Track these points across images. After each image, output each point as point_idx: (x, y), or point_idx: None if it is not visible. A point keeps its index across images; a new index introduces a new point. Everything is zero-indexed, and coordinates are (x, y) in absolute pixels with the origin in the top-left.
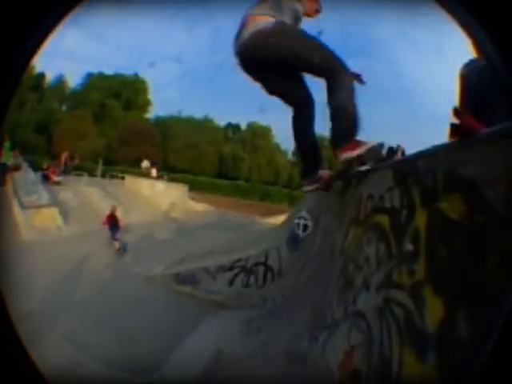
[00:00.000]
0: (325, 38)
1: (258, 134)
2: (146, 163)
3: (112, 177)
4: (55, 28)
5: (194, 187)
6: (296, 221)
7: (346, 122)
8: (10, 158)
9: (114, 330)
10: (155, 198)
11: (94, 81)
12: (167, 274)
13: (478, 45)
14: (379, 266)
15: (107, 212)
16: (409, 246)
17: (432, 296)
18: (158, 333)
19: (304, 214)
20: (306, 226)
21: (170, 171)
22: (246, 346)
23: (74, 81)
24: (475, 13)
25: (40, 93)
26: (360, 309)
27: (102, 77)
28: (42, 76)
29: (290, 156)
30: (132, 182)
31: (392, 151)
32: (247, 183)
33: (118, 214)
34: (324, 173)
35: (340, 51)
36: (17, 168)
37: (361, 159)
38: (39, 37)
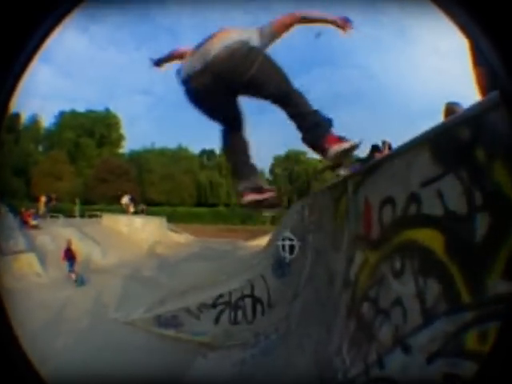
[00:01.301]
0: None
1: None
2: (125, 199)
3: (91, 216)
4: (54, 30)
5: (174, 219)
6: (280, 243)
7: (315, 118)
8: None
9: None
10: (134, 234)
11: (67, 119)
12: (147, 317)
13: (476, 45)
14: (430, 319)
15: (64, 247)
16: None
17: None
18: None
19: (288, 234)
20: (292, 248)
21: (148, 205)
22: None
23: (47, 120)
24: (473, 13)
25: (16, 134)
26: (394, 376)
27: (73, 115)
28: (16, 116)
29: (267, 175)
30: (109, 220)
31: (376, 149)
32: (227, 208)
33: (76, 248)
34: (271, 188)
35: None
36: None
37: (340, 159)
38: (38, 39)
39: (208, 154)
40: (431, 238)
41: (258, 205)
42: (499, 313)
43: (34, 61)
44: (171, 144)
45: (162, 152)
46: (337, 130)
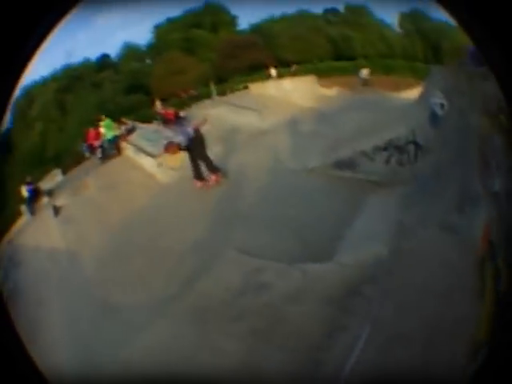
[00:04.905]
0: None
1: (359, 13)
2: (273, 71)
3: (232, 90)
4: (55, 27)
5: (317, 74)
6: (434, 100)
7: None
8: (115, 130)
9: (286, 223)
10: (287, 95)
11: (164, 27)
12: (326, 163)
13: (478, 45)
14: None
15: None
16: None
17: None
18: (324, 220)
19: (439, 93)
20: (442, 105)
21: (284, 67)
22: (405, 220)
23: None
24: (476, 13)
25: (111, 69)
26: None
27: (170, 21)
28: (105, 56)
29: (397, 28)
30: (258, 88)
31: None
32: (367, 60)
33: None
34: None
35: None
36: (130, 132)
37: None
38: (39, 35)
39: (332, 12)
40: None
41: None
42: None
43: (34, 59)
44: (289, 10)
45: (283, 18)
46: None
